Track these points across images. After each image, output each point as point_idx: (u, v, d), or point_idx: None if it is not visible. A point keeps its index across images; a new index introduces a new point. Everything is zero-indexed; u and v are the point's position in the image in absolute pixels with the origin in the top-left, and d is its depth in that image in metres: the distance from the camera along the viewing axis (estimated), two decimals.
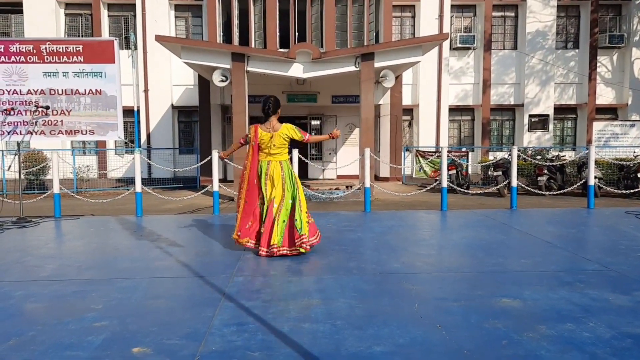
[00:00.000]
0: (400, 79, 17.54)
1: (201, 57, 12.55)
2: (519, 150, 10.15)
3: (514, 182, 8.90)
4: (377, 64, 12.78)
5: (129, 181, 16.52)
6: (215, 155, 8.69)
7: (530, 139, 19.96)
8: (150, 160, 11.28)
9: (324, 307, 3.50)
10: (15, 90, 7.60)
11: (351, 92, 16.92)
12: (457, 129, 20.37)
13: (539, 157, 14.03)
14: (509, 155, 9.88)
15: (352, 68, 12.81)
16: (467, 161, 16.52)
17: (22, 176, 9.59)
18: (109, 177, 17.65)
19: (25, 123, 7.60)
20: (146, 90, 18.77)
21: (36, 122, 7.64)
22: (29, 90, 7.61)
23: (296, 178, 5.34)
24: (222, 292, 3.86)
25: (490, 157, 17.68)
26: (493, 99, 19.94)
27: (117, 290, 3.95)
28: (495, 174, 13.18)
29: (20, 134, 7.62)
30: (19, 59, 7.54)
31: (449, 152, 15.55)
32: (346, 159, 17.55)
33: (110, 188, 15.80)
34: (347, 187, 14.40)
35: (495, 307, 3.49)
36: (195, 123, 19.31)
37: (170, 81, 18.97)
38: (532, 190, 11.37)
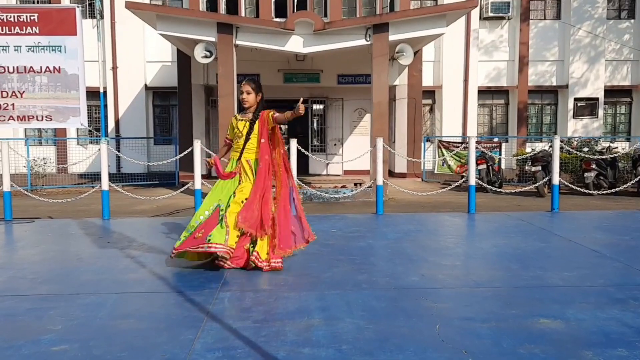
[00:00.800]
0: (419, 55, 17.49)
1: (180, 28, 12.54)
2: (562, 141, 10.14)
3: (556, 180, 8.89)
4: (392, 37, 12.75)
5: (93, 177, 16.55)
6: (197, 146, 8.70)
7: (575, 127, 19.90)
8: (119, 152, 11.31)
9: (327, 328, 3.51)
10: None
11: (361, 71, 16.88)
12: (488, 115, 20.32)
13: (586, 149, 14.00)
14: (550, 147, 9.86)
15: (362, 42, 12.79)
16: (500, 154, 16.49)
17: None
18: (70, 172, 17.69)
19: None
20: (114, 68, 18.78)
21: None
22: None
23: None
24: (205, 310, 3.87)
25: (528, 149, 17.62)
26: (531, 79, 19.89)
27: (79, 308, 3.95)
28: (533, 169, 13.15)
29: None
30: None
31: (478, 143, 15.57)
32: (355, 151, 17.54)
33: (71, 185, 15.82)
34: (355, 184, 14.41)
35: (532, 329, 3.48)
36: (173, 107, 19.32)
37: (143, 57, 18.97)
38: (578, 189, 11.36)
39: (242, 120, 5.15)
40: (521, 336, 3.36)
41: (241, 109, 5.25)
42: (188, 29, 12.56)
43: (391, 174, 17.22)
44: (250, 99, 5.13)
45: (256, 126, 5.09)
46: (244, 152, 5.09)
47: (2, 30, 7.55)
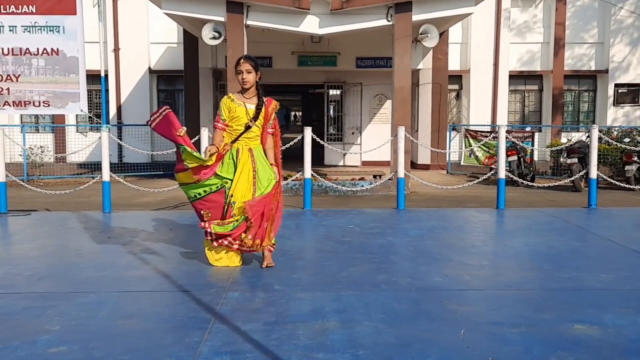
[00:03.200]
0: (445, 36, 17.37)
1: (187, 7, 12.56)
2: (600, 131, 10.04)
3: (594, 173, 8.82)
4: (416, 17, 12.67)
5: (94, 167, 16.68)
6: (204, 134, 8.74)
7: (616, 115, 19.68)
8: (121, 140, 11.38)
9: (343, 331, 3.52)
10: None
11: (381, 54, 16.80)
12: (520, 102, 20.17)
13: (627, 139, 13.85)
14: (588, 137, 9.77)
15: (384, 22, 12.73)
16: (533, 145, 16.37)
17: None
18: (68, 161, 17.86)
19: None
20: (116, 50, 18.89)
21: None
22: None
23: None
24: (213, 311, 3.90)
25: (563, 140, 17.47)
26: (567, 63, 19.68)
27: (79, 307, 4.00)
28: (569, 161, 13.05)
29: None
30: None
31: (508, 132, 15.47)
32: (374, 141, 17.47)
33: (70, 175, 15.98)
34: (374, 177, 14.38)
35: (566, 335, 3.47)
36: (179, 92, 19.40)
37: (147, 38, 19.05)
38: (618, 183, 11.24)
39: (243, 104, 4.99)
40: (554, 343, 3.35)
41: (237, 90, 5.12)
42: (195, 7, 12.57)
43: (413, 165, 17.18)
44: (251, 78, 4.97)
45: (262, 113, 5.00)
46: (242, 139, 4.97)
47: None
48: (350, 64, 17.35)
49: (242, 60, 4.97)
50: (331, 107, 18.81)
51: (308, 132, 8.78)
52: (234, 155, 4.97)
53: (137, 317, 3.82)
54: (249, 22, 12.59)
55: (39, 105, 7.83)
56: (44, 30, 7.67)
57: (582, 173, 11.33)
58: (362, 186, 11.91)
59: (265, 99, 5.07)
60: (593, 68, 19.86)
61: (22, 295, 4.29)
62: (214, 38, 12.77)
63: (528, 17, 19.66)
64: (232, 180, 4.92)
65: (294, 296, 4.24)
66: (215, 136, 5.03)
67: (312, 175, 8.95)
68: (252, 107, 5.00)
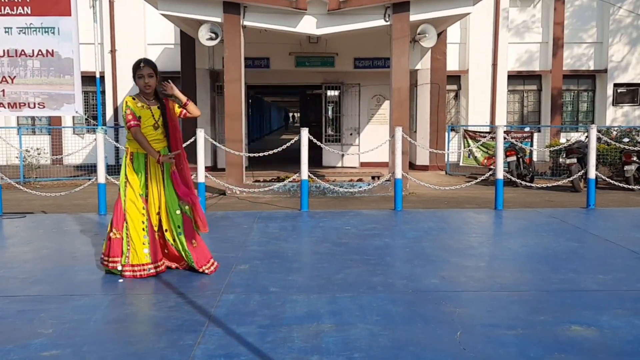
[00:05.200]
0: (443, 36, 17.37)
1: (184, 8, 12.56)
2: (599, 131, 10.05)
3: (592, 173, 8.82)
4: (414, 17, 12.67)
5: (90, 169, 16.66)
6: (200, 135, 8.74)
7: (615, 115, 19.68)
8: (117, 142, 11.37)
9: (338, 334, 3.52)
10: None
11: (379, 54, 16.80)
12: (519, 102, 20.16)
13: (626, 139, 13.85)
14: (587, 137, 9.77)
15: (381, 22, 12.72)
16: (531, 145, 16.36)
17: None
18: (65, 163, 17.83)
19: None
20: (113, 51, 18.88)
21: None
22: None
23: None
24: (208, 314, 3.90)
25: (562, 140, 17.45)
26: (566, 63, 19.68)
27: (73, 310, 4.00)
28: (568, 161, 13.04)
29: None
30: None
31: (507, 132, 15.46)
32: (372, 142, 17.43)
33: (66, 177, 15.96)
34: (373, 177, 14.39)
35: (562, 337, 3.48)
36: None
37: (144, 39, 19.03)
38: (617, 183, 11.25)
39: (148, 106, 4.92)
40: (550, 345, 3.35)
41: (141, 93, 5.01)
42: (192, 8, 12.56)
43: (412, 166, 17.17)
44: (153, 82, 4.92)
45: (167, 114, 4.97)
46: (159, 142, 4.93)
47: None
48: (348, 64, 17.33)
49: (142, 64, 4.92)
50: (329, 108, 18.80)
51: (305, 133, 8.78)
52: (141, 161, 4.91)
53: (131, 320, 3.82)
54: (245, 23, 12.59)
55: (34, 107, 7.81)
56: (39, 31, 7.66)
57: (581, 173, 11.33)
58: (360, 187, 11.90)
59: (164, 100, 5.01)
60: (592, 68, 19.86)
61: (16, 299, 4.29)
62: (211, 39, 12.77)
63: (526, 16, 19.67)
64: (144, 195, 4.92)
65: (289, 298, 4.24)
66: (140, 137, 4.84)
67: (309, 176, 8.95)
68: (156, 110, 4.94)
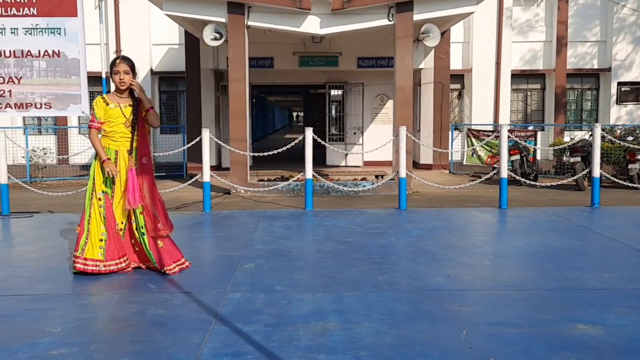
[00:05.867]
0: (447, 35, 17.35)
1: (188, 8, 12.57)
2: (603, 130, 10.01)
3: (597, 172, 8.79)
4: (417, 17, 12.65)
5: None
6: (206, 135, 8.74)
7: (619, 114, 19.63)
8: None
9: (343, 333, 3.52)
10: None
11: (383, 54, 16.77)
12: (523, 101, 20.13)
13: (630, 138, 13.81)
14: (591, 136, 9.75)
15: (385, 21, 12.71)
16: (535, 144, 16.34)
17: None
18: (71, 163, 17.87)
19: None
20: (118, 52, 18.89)
21: None
22: None
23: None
24: (214, 312, 3.90)
25: (566, 139, 17.42)
26: (570, 62, 19.63)
27: (79, 309, 4.01)
28: (572, 160, 13.01)
29: None
30: None
31: (511, 131, 15.42)
32: (376, 141, 17.45)
33: (72, 177, 15.99)
34: (376, 177, 14.36)
35: (568, 335, 3.47)
36: (180, 93, 19.40)
37: (148, 39, 19.06)
38: (621, 182, 11.22)
39: (119, 105, 4.92)
40: (555, 343, 3.35)
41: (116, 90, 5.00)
42: (196, 8, 12.57)
43: (416, 165, 17.15)
44: (128, 79, 4.91)
45: (138, 113, 4.96)
46: (119, 139, 4.94)
47: None
48: (351, 64, 17.32)
49: (118, 61, 4.93)
50: (333, 107, 18.79)
51: (309, 132, 8.78)
52: (110, 158, 4.92)
53: (137, 319, 3.83)
54: (250, 23, 12.59)
55: (41, 107, 7.83)
56: (45, 32, 7.68)
57: (585, 172, 11.30)
58: (364, 186, 11.90)
59: (138, 99, 5.01)
60: (596, 66, 19.81)
61: (23, 298, 4.30)
62: (215, 39, 12.77)
63: (530, 15, 19.63)
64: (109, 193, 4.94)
65: (294, 297, 4.24)
66: (94, 138, 4.92)
67: (313, 175, 8.95)
68: (127, 108, 4.95)
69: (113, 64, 4.93)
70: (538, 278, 4.75)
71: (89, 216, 4.86)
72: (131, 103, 4.97)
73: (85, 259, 4.81)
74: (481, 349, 3.28)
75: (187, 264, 5.10)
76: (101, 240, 4.83)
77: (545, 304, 4.05)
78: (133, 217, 4.96)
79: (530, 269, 5.06)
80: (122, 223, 4.97)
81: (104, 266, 4.82)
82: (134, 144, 4.97)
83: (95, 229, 4.84)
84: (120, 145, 4.94)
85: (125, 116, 4.92)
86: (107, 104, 4.93)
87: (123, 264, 4.92)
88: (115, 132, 4.93)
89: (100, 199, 4.88)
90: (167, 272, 4.87)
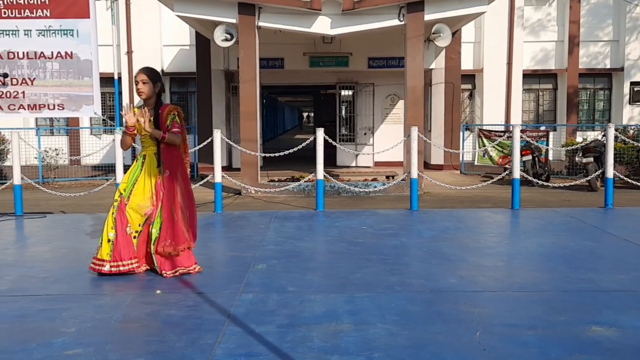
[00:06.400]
0: (458, 35, 17.30)
1: (199, 9, 12.61)
2: (616, 130, 9.94)
3: (610, 172, 8.74)
4: (428, 17, 12.63)
5: (108, 169, 16.77)
6: (217, 136, 8.76)
7: (632, 114, 19.50)
8: (134, 142, 11.41)
9: (357, 334, 3.52)
10: None
11: (393, 54, 16.75)
12: (534, 101, 20.04)
13: None
14: (603, 136, 9.69)
15: (396, 22, 12.70)
16: (547, 144, 16.26)
17: None
18: (83, 163, 17.96)
19: None
20: (129, 53, 18.98)
21: None
22: None
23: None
24: (227, 313, 3.91)
25: (579, 139, 17.33)
26: (582, 62, 19.53)
27: (94, 309, 4.03)
28: (584, 160, 12.95)
29: None
30: None
31: (522, 131, 15.36)
32: (387, 141, 17.41)
33: (84, 178, 16.08)
34: (387, 177, 14.36)
35: (583, 337, 3.45)
36: (191, 94, 19.46)
37: (160, 41, 19.13)
38: (634, 182, 11.14)
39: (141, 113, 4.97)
40: (571, 345, 3.33)
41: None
42: (207, 9, 12.61)
43: (427, 165, 17.11)
44: (146, 89, 4.94)
45: (159, 122, 4.98)
46: (148, 146, 5.01)
47: (12, 13, 7.69)
48: (362, 64, 17.31)
49: (138, 71, 5.01)
50: (343, 107, 18.78)
51: (320, 133, 8.78)
52: (139, 161, 5.03)
53: (151, 319, 3.84)
54: (260, 24, 12.61)
55: (54, 109, 7.87)
56: (58, 34, 7.72)
57: (597, 173, 11.24)
58: (375, 187, 11.89)
59: (160, 110, 5.02)
60: (608, 66, 19.70)
61: (37, 298, 4.32)
62: (226, 40, 12.80)
63: (542, 15, 19.54)
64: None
65: (307, 298, 4.24)
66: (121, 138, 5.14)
67: (324, 176, 8.95)
68: (146, 113, 4.95)
69: (135, 75, 5.03)
70: (552, 279, 4.73)
71: (107, 217, 4.91)
72: (153, 112, 4.99)
73: (96, 258, 4.87)
74: (496, 350, 3.26)
75: (196, 269, 5.01)
76: (109, 241, 4.83)
77: (560, 305, 4.02)
78: (152, 224, 4.95)
79: (544, 270, 5.03)
80: (139, 226, 4.93)
81: (110, 266, 4.82)
82: (152, 147, 5.00)
83: (106, 229, 4.86)
84: (149, 150, 5.00)
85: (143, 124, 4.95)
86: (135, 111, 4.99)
87: (134, 265, 4.90)
88: (143, 137, 5.01)
89: (116, 200, 4.90)
90: (164, 275, 4.84)
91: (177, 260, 4.93)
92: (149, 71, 5.00)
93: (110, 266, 4.81)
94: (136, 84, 4.96)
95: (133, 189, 4.93)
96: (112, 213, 4.87)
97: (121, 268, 4.83)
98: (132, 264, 4.89)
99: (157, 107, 5.03)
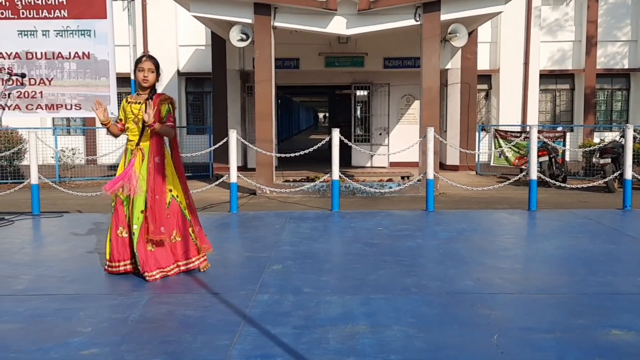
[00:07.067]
0: (474, 35, 17.23)
1: (215, 9, 12.65)
2: (635, 130, 9.84)
3: (629, 173, 8.64)
4: (444, 16, 12.58)
5: None
6: (233, 136, 8.77)
7: None
8: (123, 132, 11.47)
9: (372, 336, 3.50)
10: None
11: (409, 54, 16.72)
12: (551, 101, 19.90)
13: None
14: (621, 137, 9.59)
15: (412, 22, 12.66)
16: (564, 145, 16.14)
17: None
18: (99, 163, 18.09)
19: None
20: (145, 53, 19.10)
21: (9, 94, 7.86)
22: (0, 53, 7.84)
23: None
24: (242, 314, 3.91)
25: (596, 140, 17.19)
26: (600, 62, 19.36)
27: (109, 309, 4.04)
28: (602, 161, 12.86)
29: None
30: None
31: (539, 132, 15.26)
32: (402, 141, 17.40)
33: (100, 177, 16.19)
34: (402, 178, 14.32)
35: (602, 341, 3.41)
36: (207, 94, 19.53)
37: (175, 41, 19.22)
38: None
39: (136, 102, 4.88)
40: (589, 349, 3.29)
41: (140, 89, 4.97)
42: (223, 10, 12.65)
43: (442, 166, 17.05)
44: (152, 78, 4.87)
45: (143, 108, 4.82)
46: (143, 139, 4.87)
47: (30, 14, 7.75)
48: (377, 64, 17.30)
49: (144, 59, 4.90)
50: (358, 108, 18.77)
51: (336, 133, 8.76)
52: (127, 157, 4.95)
53: (167, 319, 3.85)
54: (276, 24, 12.63)
55: (71, 109, 7.93)
56: (75, 34, 7.77)
57: (616, 174, 11.13)
58: (390, 188, 11.85)
59: (155, 95, 4.91)
60: (626, 66, 19.52)
61: (54, 297, 4.35)
62: (242, 40, 12.84)
63: (559, 15, 19.40)
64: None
65: (323, 299, 4.23)
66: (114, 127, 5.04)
67: (339, 176, 8.93)
68: (136, 105, 4.88)
69: (139, 62, 4.90)
70: (570, 282, 4.68)
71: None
72: (145, 99, 4.85)
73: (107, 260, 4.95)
74: (513, 354, 3.23)
75: (170, 273, 4.87)
76: (110, 240, 4.88)
77: (578, 308, 3.98)
78: (132, 215, 4.82)
79: (562, 273, 4.98)
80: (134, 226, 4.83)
81: (108, 266, 4.90)
82: (147, 142, 4.86)
83: (109, 230, 4.92)
84: (134, 144, 4.89)
85: (133, 113, 4.87)
86: (127, 102, 4.94)
87: (126, 267, 4.85)
88: (130, 129, 4.91)
89: (113, 200, 4.92)
90: (148, 278, 4.69)
91: (158, 260, 4.80)
92: (154, 60, 4.94)
93: (108, 265, 4.90)
94: (140, 71, 4.83)
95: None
96: (112, 214, 4.90)
97: (112, 269, 4.88)
98: (119, 265, 4.85)
99: (150, 94, 4.91)
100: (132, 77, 10.73)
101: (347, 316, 3.85)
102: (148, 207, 4.81)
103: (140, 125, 4.84)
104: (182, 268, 4.95)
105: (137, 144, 4.89)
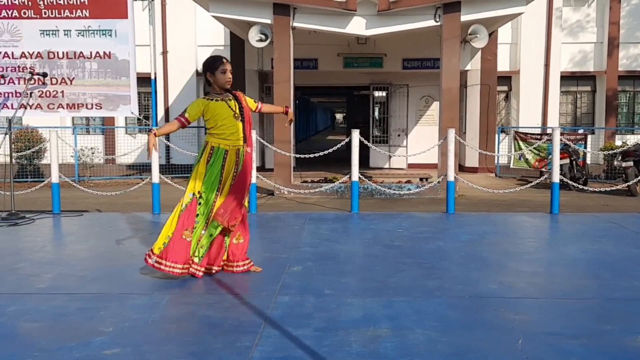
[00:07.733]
0: (494, 36, 17.12)
1: (234, 10, 12.68)
2: None
3: None
4: (465, 17, 12.51)
5: (142, 168, 16.98)
6: (252, 137, 8.75)
7: None
8: (169, 141, 11.52)
9: (395, 339, 3.46)
10: (6, 53, 7.92)
11: (429, 55, 16.68)
12: (572, 103, 19.72)
13: None
14: None
15: (431, 22, 12.61)
16: (585, 147, 15.99)
17: (13, 160, 10.02)
18: (117, 162, 18.22)
19: (18, 94, 7.91)
20: (165, 53, 19.19)
21: (31, 94, 7.94)
22: (22, 53, 7.91)
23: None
24: (263, 315, 3.89)
25: (618, 142, 17.01)
26: (622, 64, 19.16)
27: (131, 309, 4.04)
28: (624, 164, 12.74)
29: (12, 107, 7.94)
30: (11, 14, 7.84)
31: (561, 134, 15.13)
32: (420, 143, 17.38)
33: (119, 176, 16.30)
34: (421, 179, 14.26)
35: (629, 347, 3.35)
36: None
37: (194, 41, 19.30)
38: None
39: (227, 100, 4.85)
40: (616, 355, 3.24)
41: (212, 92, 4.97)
42: (242, 10, 12.68)
43: (461, 168, 16.98)
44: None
45: (242, 107, 4.89)
46: (229, 138, 4.80)
47: (52, 14, 7.82)
48: (396, 65, 17.27)
49: (225, 60, 4.89)
50: (376, 108, 18.74)
51: (356, 134, 8.73)
52: (220, 155, 4.81)
53: (188, 320, 3.84)
54: (295, 24, 12.63)
55: (92, 108, 7.99)
56: (96, 34, 7.83)
57: (639, 178, 10.99)
58: (409, 189, 11.79)
59: (236, 94, 4.96)
60: None
61: (76, 296, 4.36)
62: (261, 40, 12.86)
63: (581, 16, 19.22)
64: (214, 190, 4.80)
65: (344, 301, 4.20)
66: (168, 124, 4.95)
67: (359, 177, 8.90)
68: (232, 101, 4.87)
69: (220, 63, 4.85)
70: (596, 287, 4.61)
71: (197, 222, 4.77)
72: (232, 97, 4.90)
73: (151, 249, 4.76)
74: (538, 359, 3.18)
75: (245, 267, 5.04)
76: (167, 237, 4.71)
77: (605, 314, 3.92)
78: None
79: (587, 277, 4.91)
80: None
81: (155, 261, 4.68)
82: (245, 134, 4.89)
83: (167, 228, 4.74)
84: (231, 144, 4.81)
85: (232, 109, 4.82)
86: (210, 100, 4.83)
87: (175, 270, 4.70)
88: (225, 125, 4.78)
89: (187, 201, 4.77)
90: (235, 269, 4.93)
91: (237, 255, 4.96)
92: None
93: (155, 261, 4.69)
94: (224, 72, 4.81)
95: (217, 192, 4.79)
96: (177, 214, 4.75)
97: (163, 267, 4.67)
98: (173, 267, 4.68)
99: (232, 93, 4.94)
100: (152, 77, 10.78)
101: (369, 319, 3.82)
102: (232, 191, 4.81)
103: (241, 125, 4.84)
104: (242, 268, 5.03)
105: (245, 140, 4.87)
